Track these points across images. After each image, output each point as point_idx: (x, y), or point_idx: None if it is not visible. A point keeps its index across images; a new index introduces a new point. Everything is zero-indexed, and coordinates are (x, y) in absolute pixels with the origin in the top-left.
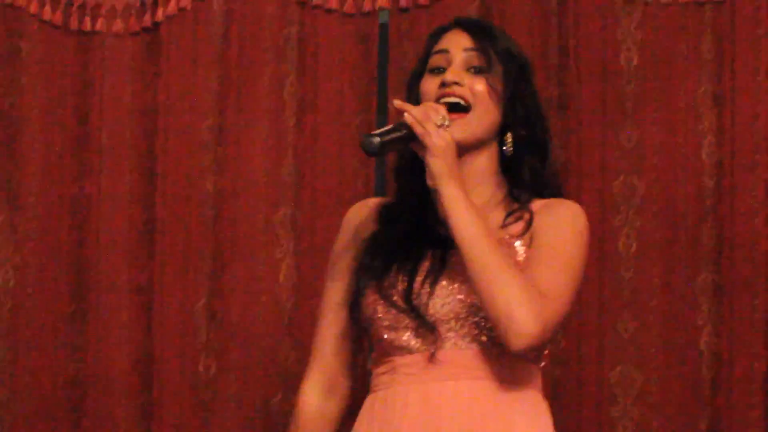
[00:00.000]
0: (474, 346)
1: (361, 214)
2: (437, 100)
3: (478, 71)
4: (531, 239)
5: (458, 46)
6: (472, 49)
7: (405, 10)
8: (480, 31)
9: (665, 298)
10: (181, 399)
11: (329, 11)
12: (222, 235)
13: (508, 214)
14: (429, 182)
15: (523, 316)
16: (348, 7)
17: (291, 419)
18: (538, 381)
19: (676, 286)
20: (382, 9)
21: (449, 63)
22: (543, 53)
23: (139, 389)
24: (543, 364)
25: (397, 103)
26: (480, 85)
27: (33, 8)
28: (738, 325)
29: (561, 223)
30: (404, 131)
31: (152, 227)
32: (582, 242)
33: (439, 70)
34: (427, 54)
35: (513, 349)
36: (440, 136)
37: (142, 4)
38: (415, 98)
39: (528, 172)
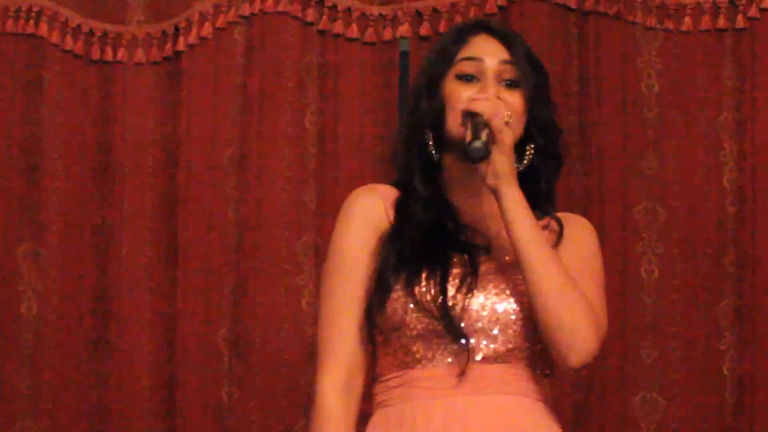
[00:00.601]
0: (502, 361)
1: (372, 203)
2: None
3: (511, 85)
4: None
5: (493, 56)
6: (507, 62)
7: (425, 38)
8: (512, 40)
9: (687, 324)
10: (203, 426)
11: (350, 40)
12: (244, 263)
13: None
14: (490, 181)
15: (588, 333)
16: (369, 35)
17: (311, 418)
18: (551, 394)
19: (698, 311)
20: (402, 38)
21: (482, 72)
22: (563, 80)
23: (161, 416)
24: (554, 377)
25: (477, 105)
26: (518, 101)
27: (54, 38)
28: (760, 350)
29: (586, 239)
30: (487, 127)
31: (174, 255)
32: (601, 258)
33: (470, 78)
34: (450, 55)
35: (570, 364)
36: (508, 133)
37: (164, 33)
38: (438, 101)
39: (545, 184)
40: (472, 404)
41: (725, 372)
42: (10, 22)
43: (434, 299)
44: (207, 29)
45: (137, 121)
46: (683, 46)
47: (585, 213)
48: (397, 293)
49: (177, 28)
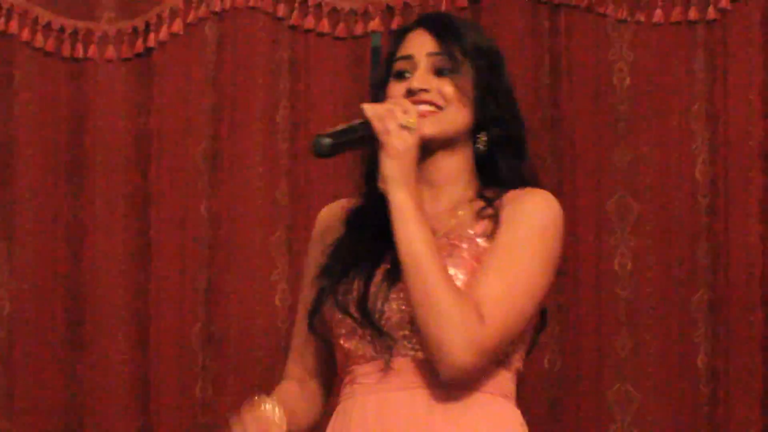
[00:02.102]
0: None
1: (330, 216)
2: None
3: (440, 73)
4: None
5: (422, 49)
6: (436, 53)
7: None
8: (444, 30)
9: (661, 316)
10: (178, 423)
11: (321, 35)
12: (217, 260)
13: (477, 212)
14: (380, 185)
15: (454, 343)
16: (340, 30)
17: None
18: (508, 386)
19: (672, 304)
20: (374, 32)
21: (414, 68)
22: (535, 73)
23: (136, 414)
24: (517, 366)
25: (365, 106)
26: (448, 87)
27: (25, 35)
28: (735, 341)
29: (525, 216)
30: (360, 130)
31: (147, 252)
32: (549, 236)
33: (404, 76)
34: (391, 56)
35: (442, 377)
36: (401, 136)
37: (135, 30)
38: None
39: (505, 171)
40: (399, 400)
41: (700, 364)
42: None
43: (355, 298)
44: (178, 25)
45: (109, 117)
46: (654, 38)
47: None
48: (328, 296)
49: (148, 25)
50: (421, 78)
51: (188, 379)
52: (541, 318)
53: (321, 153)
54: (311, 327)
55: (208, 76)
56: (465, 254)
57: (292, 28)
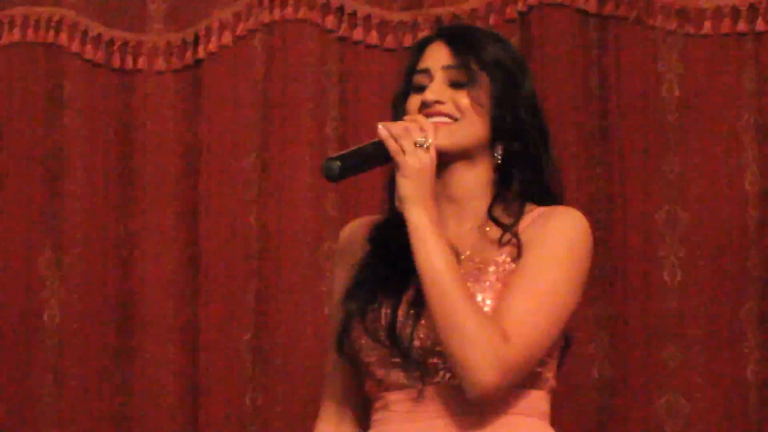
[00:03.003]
0: None
1: (352, 235)
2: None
3: (455, 86)
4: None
5: (438, 62)
6: (451, 66)
7: None
8: (462, 42)
9: (711, 328)
10: None
11: (370, 47)
12: (266, 270)
13: (501, 236)
14: (397, 205)
15: (479, 363)
16: (389, 42)
17: None
18: (542, 406)
19: (721, 315)
20: None
21: (430, 81)
22: (584, 85)
23: (185, 424)
24: (550, 385)
25: (380, 125)
26: (463, 99)
27: (75, 47)
28: None
29: (552, 234)
30: (373, 151)
31: (196, 263)
32: (576, 255)
33: (422, 89)
34: (410, 69)
35: (470, 398)
36: (416, 155)
37: (184, 41)
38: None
39: (518, 186)
40: (436, 428)
41: (749, 375)
42: (30, 31)
43: (384, 325)
44: (227, 37)
45: (158, 129)
46: (703, 49)
47: (607, 217)
48: (355, 322)
49: (197, 36)
50: (436, 90)
51: (238, 388)
52: (566, 341)
53: (331, 177)
54: (341, 352)
55: (257, 88)
56: (492, 277)
57: (341, 40)
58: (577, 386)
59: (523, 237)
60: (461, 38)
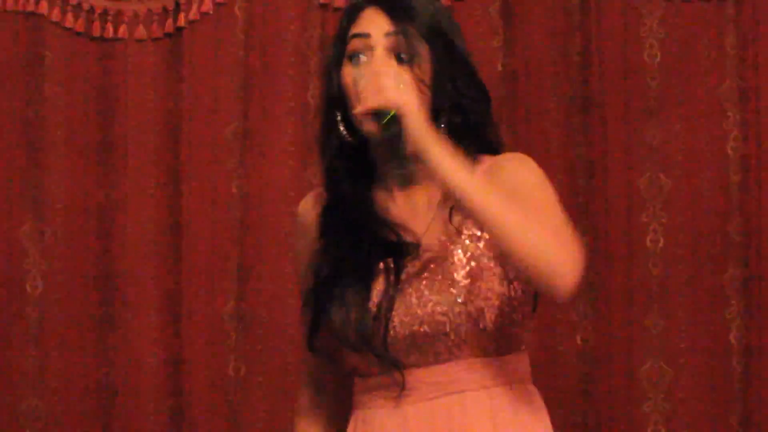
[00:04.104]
0: (445, 361)
1: (307, 210)
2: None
3: (402, 61)
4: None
5: (379, 29)
6: (393, 33)
7: None
8: (400, 9)
9: (694, 294)
10: (210, 402)
11: None
12: (248, 239)
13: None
14: (410, 150)
15: (563, 254)
16: None
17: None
18: (523, 369)
19: (704, 281)
20: None
21: (371, 50)
22: (565, 52)
23: (168, 393)
24: (526, 345)
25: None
26: (408, 73)
27: (55, 16)
28: (767, 318)
29: (526, 171)
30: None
31: (178, 232)
32: (547, 181)
33: (359, 57)
34: (343, 33)
35: (562, 294)
36: (403, 92)
37: (165, 10)
38: (336, 88)
39: (463, 154)
40: (419, 412)
41: (732, 341)
42: (10, 0)
43: (354, 329)
44: (207, 5)
45: (139, 97)
46: (685, 15)
47: (589, 184)
48: (326, 322)
49: (178, 4)
50: (382, 62)
51: (220, 357)
52: (534, 302)
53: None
54: (313, 351)
55: (238, 56)
56: (458, 248)
57: (323, 6)
58: (560, 353)
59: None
60: (397, 5)
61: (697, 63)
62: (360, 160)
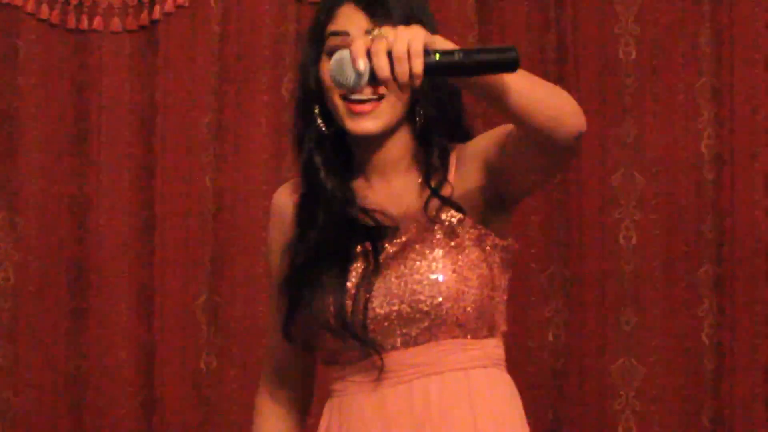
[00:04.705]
0: (424, 342)
1: (282, 200)
2: (343, 98)
3: None
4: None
5: (357, 26)
6: (371, 31)
7: None
8: (377, 6)
9: (666, 291)
10: (182, 395)
11: None
12: (222, 232)
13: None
14: (432, 57)
15: (576, 107)
16: None
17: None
18: (498, 353)
19: (677, 278)
20: None
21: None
22: (541, 48)
23: (140, 386)
24: (502, 330)
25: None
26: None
27: (30, 7)
28: (740, 316)
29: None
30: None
31: (152, 224)
32: None
33: None
34: (320, 30)
35: (566, 141)
36: (381, 36)
37: (140, 2)
38: (314, 85)
39: (439, 147)
40: (397, 395)
41: (704, 339)
42: None
43: (334, 306)
44: None
45: (114, 90)
46: (661, 11)
47: (563, 181)
48: (302, 309)
49: None
50: None
51: (192, 351)
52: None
53: (357, 83)
54: (288, 338)
55: (213, 49)
56: (438, 235)
57: (298, 0)
58: (532, 348)
59: (461, 174)
60: (374, 1)
61: (673, 60)
62: (337, 151)
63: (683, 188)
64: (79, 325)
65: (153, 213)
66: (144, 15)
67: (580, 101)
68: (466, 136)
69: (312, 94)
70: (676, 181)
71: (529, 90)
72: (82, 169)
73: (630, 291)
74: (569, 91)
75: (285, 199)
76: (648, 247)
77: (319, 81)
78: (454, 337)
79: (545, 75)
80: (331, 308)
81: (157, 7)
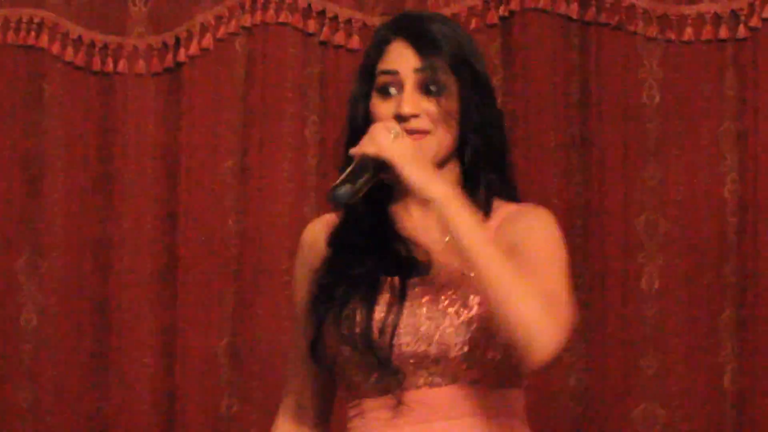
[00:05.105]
0: (447, 384)
1: (313, 234)
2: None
3: (428, 93)
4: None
5: (407, 65)
6: (421, 70)
7: None
8: (426, 43)
9: (689, 335)
10: None
11: (351, 51)
12: (244, 275)
13: None
14: (419, 195)
15: (546, 325)
16: None
17: None
18: (520, 406)
19: (699, 323)
20: None
21: (400, 85)
22: (565, 91)
23: (161, 428)
24: (524, 382)
25: (352, 150)
26: (435, 110)
27: (55, 49)
28: (762, 361)
29: (542, 226)
30: (367, 164)
31: (175, 267)
32: (562, 242)
33: (389, 92)
34: (371, 67)
35: (536, 361)
36: (399, 145)
37: (165, 44)
38: (362, 120)
39: (486, 185)
40: None
41: (726, 384)
42: (10, 33)
43: (360, 331)
44: (208, 40)
45: (138, 132)
46: (685, 56)
47: (586, 224)
48: (328, 327)
49: (178, 39)
50: (411, 101)
51: (214, 394)
52: None
53: (347, 201)
54: (315, 359)
55: (238, 92)
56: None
57: (323, 44)
58: (554, 393)
59: (502, 234)
60: (425, 38)
61: (696, 105)
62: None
63: (706, 232)
64: (100, 368)
65: (176, 255)
66: (169, 57)
67: (604, 146)
68: (513, 186)
69: (360, 129)
70: (699, 225)
71: (485, 272)
72: (106, 211)
73: (652, 335)
74: (592, 136)
75: (317, 233)
76: (670, 291)
77: (367, 116)
78: (477, 384)
79: (568, 118)
80: (357, 336)
81: (182, 50)
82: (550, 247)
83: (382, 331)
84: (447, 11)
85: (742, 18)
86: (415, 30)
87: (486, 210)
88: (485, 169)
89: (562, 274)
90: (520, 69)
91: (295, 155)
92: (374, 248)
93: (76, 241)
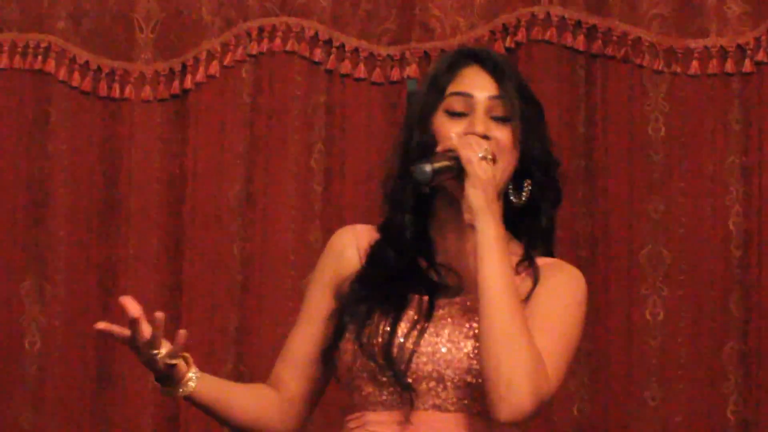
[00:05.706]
0: (455, 411)
1: (343, 243)
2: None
3: (501, 120)
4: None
5: (483, 91)
6: (497, 97)
7: None
8: (502, 73)
9: (692, 367)
10: None
11: (357, 80)
12: (249, 301)
13: (515, 268)
14: (466, 216)
15: (524, 390)
16: (376, 76)
17: None
18: None
19: (703, 354)
20: (409, 78)
21: (471, 109)
22: (570, 123)
23: None
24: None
25: (453, 135)
26: (505, 137)
27: (62, 74)
28: (765, 394)
29: (563, 289)
30: (452, 160)
31: (179, 293)
32: (581, 314)
33: (460, 115)
34: (441, 88)
35: (501, 419)
36: (482, 167)
37: (171, 71)
38: (429, 136)
39: (545, 221)
40: None
41: (729, 416)
42: (17, 57)
43: (381, 344)
44: (214, 67)
45: (143, 158)
46: (690, 89)
47: (590, 255)
48: (349, 335)
49: (184, 66)
50: (483, 124)
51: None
52: None
53: (423, 180)
54: (327, 364)
55: (244, 119)
56: None
57: (329, 72)
58: (557, 422)
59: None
60: (500, 68)
61: (701, 137)
62: (424, 202)
63: (710, 264)
64: (104, 392)
65: (181, 281)
66: (175, 84)
67: (609, 177)
68: (550, 241)
69: (417, 152)
70: (703, 257)
71: (492, 317)
72: (111, 237)
73: (656, 366)
74: (598, 167)
75: (346, 242)
76: (674, 323)
77: (431, 135)
78: (481, 416)
79: (573, 150)
80: (378, 348)
81: (189, 77)
82: (566, 313)
83: (402, 347)
84: (454, 42)
85: (748, 52)
86: (489, 58)
87: (542, 246)
88: (545, 203)
89: (562, 342)
90: None
91: (300, 182)
92: (408, 267)
93: (81, 266)
